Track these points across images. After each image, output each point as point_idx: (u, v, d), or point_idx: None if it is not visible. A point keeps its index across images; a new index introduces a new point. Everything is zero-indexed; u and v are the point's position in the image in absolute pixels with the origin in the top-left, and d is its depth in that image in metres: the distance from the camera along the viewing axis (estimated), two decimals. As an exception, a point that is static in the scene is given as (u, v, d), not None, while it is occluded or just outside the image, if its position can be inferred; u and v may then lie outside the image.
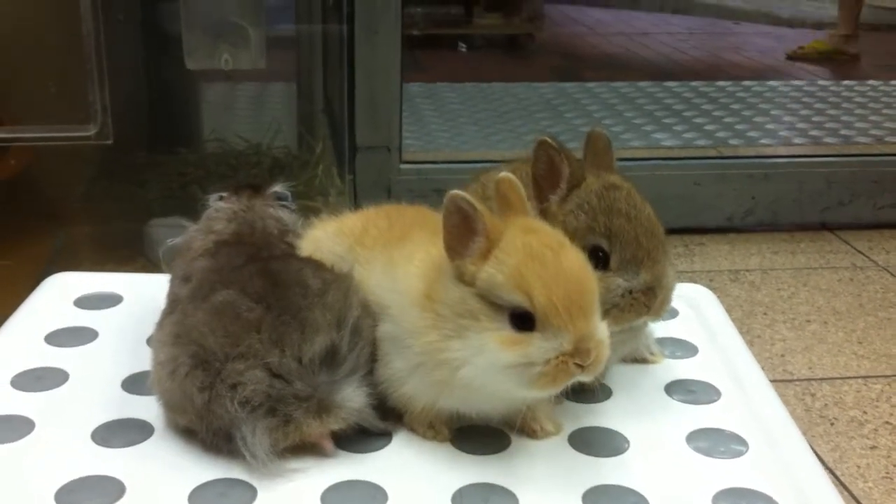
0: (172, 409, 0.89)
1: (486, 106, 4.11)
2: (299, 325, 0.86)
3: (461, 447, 0.91)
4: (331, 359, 0.87)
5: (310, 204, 2.38)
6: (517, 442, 0.92)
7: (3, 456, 0.88)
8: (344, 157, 2.48)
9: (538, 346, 0.82)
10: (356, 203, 2.34)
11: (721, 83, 4.45)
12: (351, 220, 1.04)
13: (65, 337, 1.09)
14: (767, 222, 2.94)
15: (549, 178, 0.99)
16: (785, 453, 0.90)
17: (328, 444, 0.87)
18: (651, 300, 0.97)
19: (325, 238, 1.02)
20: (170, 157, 2.61)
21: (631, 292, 0.96)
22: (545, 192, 0.99)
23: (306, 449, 0.87)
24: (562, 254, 0.85)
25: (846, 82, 4.42)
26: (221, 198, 1.07)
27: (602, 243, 0.97)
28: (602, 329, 0.84)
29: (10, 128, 2.02)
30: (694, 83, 4.47)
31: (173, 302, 0.96)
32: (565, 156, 0.98)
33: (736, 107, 4.00)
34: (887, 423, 2.00)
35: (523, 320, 0.83)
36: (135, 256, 2.22)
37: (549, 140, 0.98)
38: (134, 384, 1.00)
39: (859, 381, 2.16)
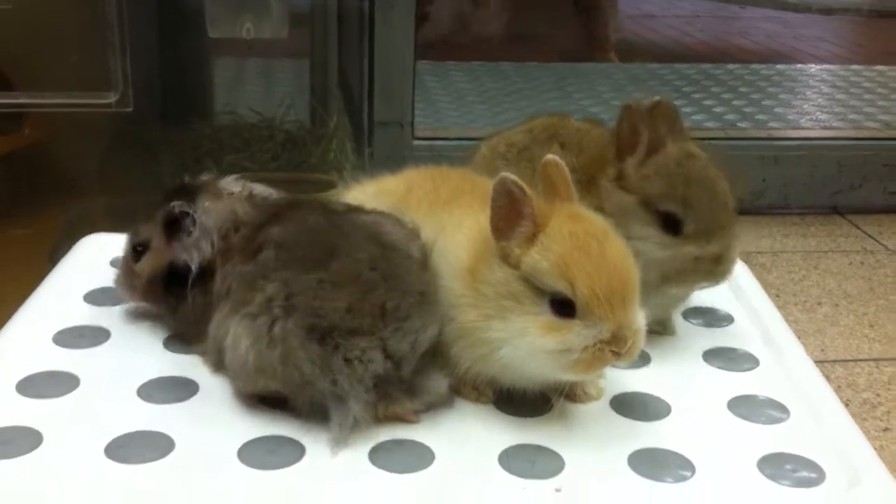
0: (260, 376, 0.87)
1: (494, 85, 4.10)
2: (421, 315, 0.87)
3: (505, 410, 0.92)
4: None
5: (324, 178, 2.39)
6: (560, 406, 0.92)
7: (53, 410, 0.89)
8: (362, 131, 2.48)
9: (577, 334, 0.84)
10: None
11: (730, 66, 4.45)
12: (392, 182, 1.04)
13: (103, 296, 1.10)
14: (778, 205, 2.94)
15: (629, 140, 1.01)
16: (825, 420, 0.91)
17: (415, 419, 0.88)
18: (716, 268, 1.00)
19: (365, 199, 1.02)
20: (183, 129, 2.60)
21: (699, 259, 1.00)
22: (624, 154, 1.01)
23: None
24: (606, 244, 0.86)
25: (854, 67, 4.42)
26: (185, 213, 0.98)
27: (677, 210, 1.00)
28: (640, 318, 0.86)
29: (29, 93, 2.01)
30: (702, 65, 4.46)
31: (247, 279, 0.90)
32: (647, 121, 0.99)
33: (744, 90, 4.00)
34: (900, 405, 2.01)
35: (564, 307, 0.84)
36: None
37: (634, 104, 0.99)
38: (176, 342, 1.00)
39: (871, 363, 2.17)
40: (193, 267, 0.95)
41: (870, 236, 2.82)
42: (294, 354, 0.84)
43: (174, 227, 0.97)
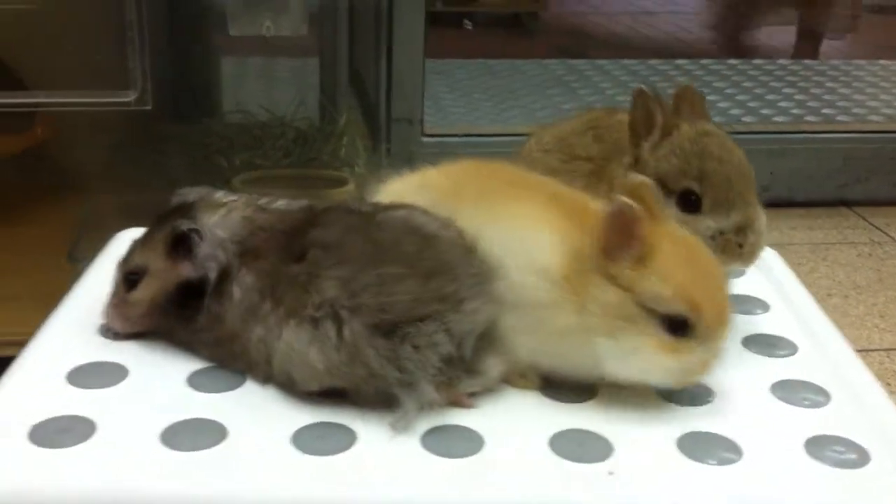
0: (326, 377, 0.88)
1: (497, 82, 4.11)
2: (476, 297, 0.88)
3: (550, 395, 0.93)
4: None
5: (336, 174, 2.40)
6: (604, 392, 0.94)
7: (104, 400, 0.90)
8: (377, 128, 2.49)
9: (697, 354, 0.87)
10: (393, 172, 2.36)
11: (731, 61, 4.46)
12: (436, 175, 1.04)
13: (144, 290, 1.10)
14: (784, 198, 2.96)
15: (644, 124, 1.01)
16: (867, 403, 0.93)
17: (469, 402, 0.90)
18: (743, 241, 1.00)
19: (407, 191, 1.02)
20: (192, 126, 2.61)
21: (722, 233, 1.00)
22: (639, 139, 1.02)
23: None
24: (711, 262, 0.89)
25: (856, 62, 4.44)
26: (193, 229, 0.96)
27: (693, 186, 1.00)
28: None
29: (49, 92, 2.01)
30: (704, 61, 4.47)
31: (299, 282, 0.90)
32: (660, 105, 1.01)
33: (747, 85, 4.01)
34: (911, 394, 2.03)
35: (681, 327, 0.86)
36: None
37: (646, 89, 1.00)
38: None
39: (882, 353, 2.19)
40: (212, 277, 0.94)
41: (877, 228, 2.84)
42: (362, 352, 0.85)
43: (181, 245, 0.96)
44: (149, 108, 1.92)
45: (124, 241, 1.21)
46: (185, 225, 0.95)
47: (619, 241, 0.87)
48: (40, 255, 2.17)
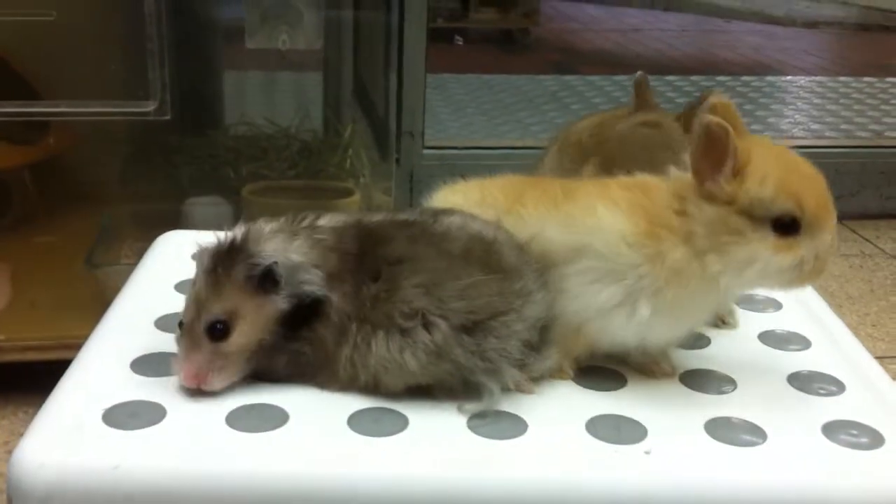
0: (414, 378, 0.93)
1: (492, 97, 4.18)
2: (540, 289, 0.96)
3: (584, 385, 1.00)
4: None
5: (342, 185, 2.46)
6: (633, 381, 1.01)
7: (169, 387, 0.96)
8: (386, 140, 2.55)
9: (807, 247, 0.91)
10: (396, 183, 2.42)
11: (720, 78, 4.55)
12: (491, 189, 1.08)
13: (192, 287, 1.16)
14: (777, 211, 3.02)
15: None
16: (878, 391, 1.01)
17: (531, 388, 0.97)
18: None
19: (466, 206, 1.05)
20: (200, 138, 2.66)
21: None
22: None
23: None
24: (801, 160, 0.95)
25: (842, 79, 4.53)
26: (273, 262, 0.94)
27: None
28: None
29: (68, 102, 2.06)
30: (693, 77, 4.56)
31: (381, 298, 0.94)
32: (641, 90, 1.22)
33: (737, 101, 4.06)
34: (905, 398, 2.09)
35: (790, 226, 0.91)
36: (174, 234, 2.27)
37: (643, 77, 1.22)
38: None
39: (876, 360, 2.26)
40: (330, 295, 0.94)
41: (867, 241, 2.92)
42: (452, 351, 0.91)
43: (267, 282, 0.94)
44: (168, 117, 1.98)
45: (169, 241, 1.28)
46: (262, 260, 0.93)
47: (713, 159, 0.90)
48: (58, 262, 2.21)
